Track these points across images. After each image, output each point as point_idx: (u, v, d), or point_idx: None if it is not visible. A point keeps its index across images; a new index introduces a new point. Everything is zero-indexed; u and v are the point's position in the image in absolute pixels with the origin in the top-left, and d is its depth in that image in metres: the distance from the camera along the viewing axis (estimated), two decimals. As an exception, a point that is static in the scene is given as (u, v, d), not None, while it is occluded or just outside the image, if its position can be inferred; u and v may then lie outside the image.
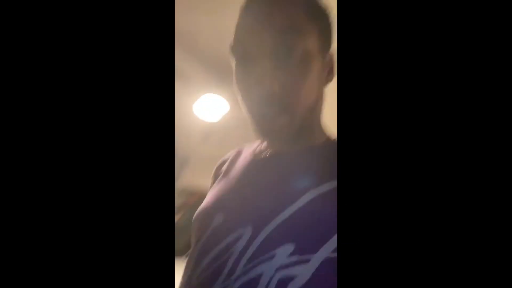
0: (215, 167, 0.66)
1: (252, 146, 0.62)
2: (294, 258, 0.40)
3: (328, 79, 0.53)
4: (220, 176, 0.61)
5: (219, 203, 0.52)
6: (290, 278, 0.39)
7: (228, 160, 0.63)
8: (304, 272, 0.39)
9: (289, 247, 0.40)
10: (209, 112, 2.12)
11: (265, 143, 0.58)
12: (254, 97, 0.47)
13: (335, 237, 0.40)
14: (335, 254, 0.39)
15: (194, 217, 0.54)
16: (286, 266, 0.39)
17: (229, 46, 0.49)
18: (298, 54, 0.45)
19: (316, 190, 0.44)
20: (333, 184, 0.43)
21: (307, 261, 0.39)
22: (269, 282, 0.39)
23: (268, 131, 0.49)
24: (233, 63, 0.50)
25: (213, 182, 0.63)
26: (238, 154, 0.63)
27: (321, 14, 0.51)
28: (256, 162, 0.56)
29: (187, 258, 0.51)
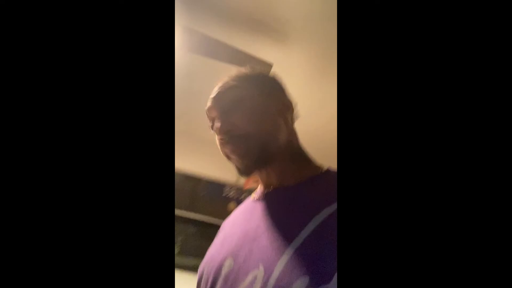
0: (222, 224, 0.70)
1: (249, 198, 0.66)
2: None
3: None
4: (224, 228, 0.65)
5: (225, 250, 0.54)
6: None
7: (231, 214, 0.68)
8: None
9: (305, 280, 0.40)
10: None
11: (259, 189, 0.61)
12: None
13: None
14: None
15: (201, 266, 0.57)
16: None
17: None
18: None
19: (318, 217, 0.45)
20: (333, 208, 0.45)
21: None
22: None
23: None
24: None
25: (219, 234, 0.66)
26: (238, 208, 0.68)
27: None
28: (254, 204, 0.60)
29: None
